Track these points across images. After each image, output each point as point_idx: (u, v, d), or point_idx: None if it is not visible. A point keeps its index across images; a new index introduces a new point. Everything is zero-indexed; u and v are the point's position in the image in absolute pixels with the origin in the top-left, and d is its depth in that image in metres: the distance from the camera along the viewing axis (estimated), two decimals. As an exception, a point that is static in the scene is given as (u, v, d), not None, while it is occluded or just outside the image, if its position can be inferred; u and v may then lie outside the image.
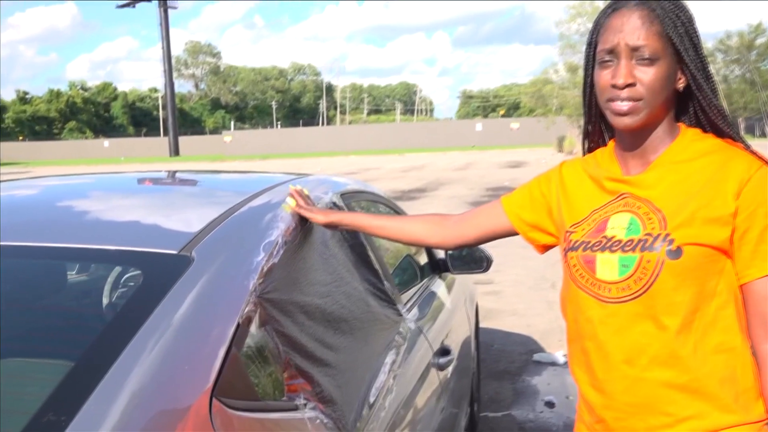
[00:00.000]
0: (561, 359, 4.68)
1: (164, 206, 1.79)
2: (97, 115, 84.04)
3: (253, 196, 1.79)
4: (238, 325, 1.26)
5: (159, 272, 1.33)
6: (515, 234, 1.66)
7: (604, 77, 1.39)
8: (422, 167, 28.76)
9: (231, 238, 1.50)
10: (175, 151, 54.62)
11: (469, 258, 3.10)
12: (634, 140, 1.43)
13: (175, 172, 2.63)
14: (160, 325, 1.17)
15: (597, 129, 1.55)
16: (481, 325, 5.18)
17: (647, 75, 1.35)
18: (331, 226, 1.84)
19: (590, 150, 1.58)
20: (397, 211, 2.83)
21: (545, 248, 1.64)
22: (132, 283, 1.88)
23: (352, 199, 2.28)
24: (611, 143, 1.52)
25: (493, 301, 6.42)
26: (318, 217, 1.79)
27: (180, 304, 1.22)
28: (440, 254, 3.21)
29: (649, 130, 1.42)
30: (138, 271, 1.40)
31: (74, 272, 2.01)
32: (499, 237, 1.70)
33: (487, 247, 3.14)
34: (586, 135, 1.58)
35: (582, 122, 1.60)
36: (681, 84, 1.40)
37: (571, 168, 1.57)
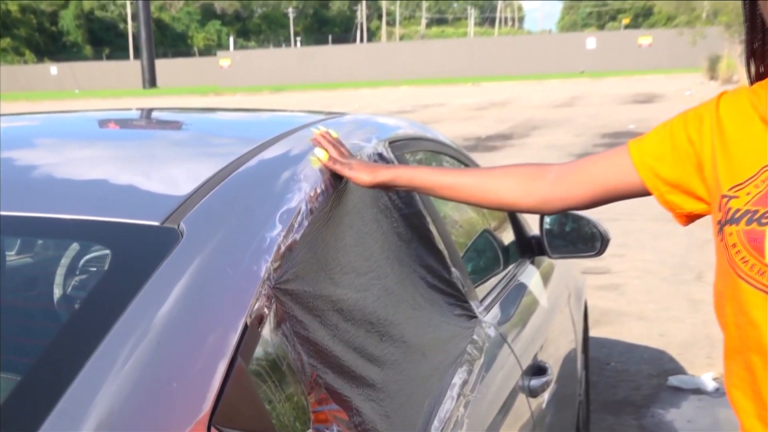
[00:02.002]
0: (710, 384, 4.65)
1: (139, 160, 1.82)
2: (40, 29, 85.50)
3: (264, 146, 1.81)
4: (246, 327, 1.29)
5: (134, 252, 1.36)
6: (646, 194, 1.66)
7: None
8: (506, 103, 28.50)
9: (234, 204, 1.52)
10: (151, 80, 55.26)
11: (575, 235, 3.10)
12: None
13: (151, 111, 2.67)
14: (137, 327, 1.20)
15: None
16: (593, 333, 5.18)
17: None
18: (380, 188, 1.86)
19: (760, 77, 1.55)
20: (470, 166, 2.83)
21: (690, 218, 1.63)
22: (96, 267, 1.95)
23: (405, 149, 2.29)
24: None
25: (611, 298, 6.39)
26: (362, 175, 1.80)
27: (164, 297, 1.25)
28: (532, 230, 3.21)
29: None
30: (104, 251, 1.43)
31: (13, 252, 2.08)
32: (622, 198, 1.70)
33: (602, 220, 3.13)
34: (752, 55, 1.55)
35: (745, 35, 1.57)
36: None
37: (732, 103, 1.55)
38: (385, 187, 1.86)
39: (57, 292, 1.91)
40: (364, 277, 1.74)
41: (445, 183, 1.84)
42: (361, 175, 1.80)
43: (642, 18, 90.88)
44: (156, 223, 1.40)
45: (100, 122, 2.41)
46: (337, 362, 1.51)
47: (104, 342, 1.17)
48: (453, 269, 2.17)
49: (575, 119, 20.86)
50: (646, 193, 1.66)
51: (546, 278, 3.19)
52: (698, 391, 4.63)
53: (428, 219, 2.15)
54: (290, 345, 1.41)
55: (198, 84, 59.51)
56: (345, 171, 1.79)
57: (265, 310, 1.36)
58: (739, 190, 1.47)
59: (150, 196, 1.56)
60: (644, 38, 54.71)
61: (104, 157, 1.84)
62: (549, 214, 1.91)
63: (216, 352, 1.23)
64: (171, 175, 1.67)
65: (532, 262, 3.12)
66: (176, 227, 1.39)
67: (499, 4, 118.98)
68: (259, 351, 1.34)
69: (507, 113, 23.77)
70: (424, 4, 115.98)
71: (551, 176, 1.75)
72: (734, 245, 1.44)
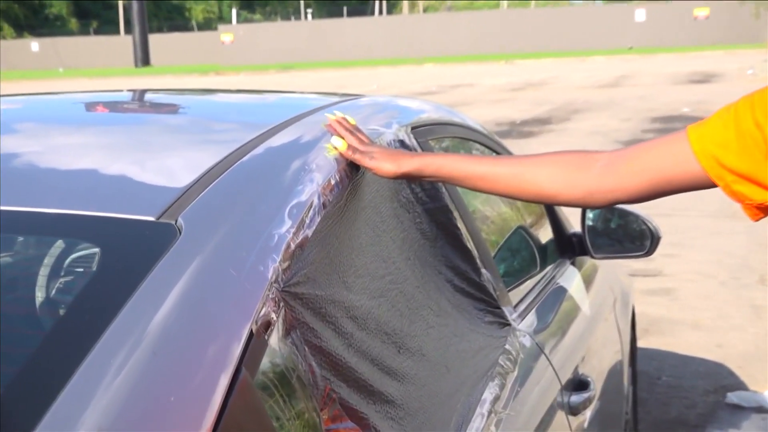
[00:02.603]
0: (774, 402, 4.63)
1: (131, 148, 1.83)
2: (19, 0, 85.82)
3: (271, 132, 1.82)
4: (251, 334, 1.30)
5: (126, 250, 1.37)
6: (708, 186, 1.66)
7: None
8: (544, 84, 28.41)
9: (238, 197, 1.53)
10: (144, 58, 55.46)
11: (622, 232, 3.09)
12: None
13: (145, 92, 2.69)
14: (130, 334, 1.21)
15: None
16: (641, 343, 5.17)
17: None
18: (405, 179, 1.86)
19: None
20: (503, 155, 2.83)
21: (763, 211, 1.62)
22: (83, 268, 1.95)
23: (429, 135, 2.29)
24: None
25: (662, 304, 6.37)
26: (384, 165, 1.81)
27: (160, 302, 1.26)
28: (573, 226, 3.21)
29: None
30: (93, 249, 1.44)
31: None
32: (679, 190, 1.69)
33: (652, 216, 3.11)
34: None
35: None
36: None
37: None
38: (410, 178, 1.86)
39: (39, 296, 1.92)
40: (381, 281, 1.75)
41: (477, 172, 1.84)
42: (384, 164, 1.80)
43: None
44: (151, 219, 1.41)
45: (87, 105, 2.42)
46: (352, 375, 1.51)
47: (92, 352, 1.17)
48: (483, 271, 2.17)
49: (622, 102, 20.78)
50: (708, 184, 1.65)
51: (588, 281, 3.18)
52: (761, 409, 4.61)
53: (456, 214, 2.15)
54: (301, 355, 1.41)
55: (197, 62, 59.67)
56: (366, 161, 1.79)
57: (273, 315, 1.36)
58: None
59: (144, 188, 1.57)
60: (700, 10, 54.36)
61: (92, 145, 1.85)
62: (595, 208, 1.91)
63: (218, 363, 1.24)
64: (167, 165, 1.68)
65: (573, 263, 3.11)
66: (173, 223, 1.40)
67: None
68: (265, 362, 1.34)
69: (545, 95, 23.70)
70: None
71: (598, 165, 1.75)
72: None
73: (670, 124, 15.81)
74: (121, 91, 2.72)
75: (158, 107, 2.50)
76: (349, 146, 1.80)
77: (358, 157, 1.80)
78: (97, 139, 1.92)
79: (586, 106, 20.36)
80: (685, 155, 1.65)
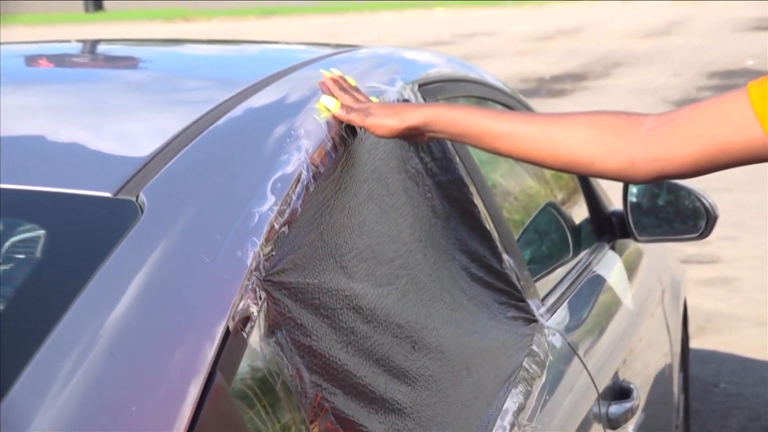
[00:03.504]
0: None
1: (83, 110, 1.84)
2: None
3: (250, 91, 1.83)
4: (227, 332, 1.30)
5: (78, 232, 1.38)
6: None
7: None
8: (578, 31, 28.21)
9: (211, 169, 1.54)
10: (96, 1, 55.28)
11: (672, 210, 3.10)
12: None
13: (97, 43, 2.69)
14: (83, 333, 1.21)
15: None
16: (695, 343, 5.17)
17: None
18: (409, 138, 1.85)
19: None
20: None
21: None
22: (25, 254, 1.96)
23: (440, 93, 2.29)
24: None
25: (720, 297, 6.38)
26: (385, 121, 1.79)
27: (119, 294, 1.27)
28: (613, 203, 3.21)
29: None
30: (37, 231, 1.45)
31: None
32: (739, 162, 1.69)
33: (708, 190, 3.11)
34: None
35: None
36: None
37: None
38: (415, 136, 1.84)
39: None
40: (389, 266, 1.75)
41: (496, 130, 1.81)
42: (384, 120, 1.78)
43: None
44: (107, 195, 1.42)
45: (27, 59, 2.42)
46: (349, 380, 1.52)
47: (37, 355, 1.18)
48: (505, 256, 2.17)
49: (673, 53, 20.68)
50: None
51: (631, 269, 3.19)
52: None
53: (472, 189, 2.15)
54: (286, 357, 1.42)
55: (160, 6, 59.48)
56: (363, 120, 1.79)
57: (253, 309, 1.37)
58: None
59: (98, 158, 1.58)
60: (768, -59, 54.14)
61: (34, 107, 1.85)
62: (638, 182, 1.89)
63: (187, 367, 1.24)
64: (126, 130, 1.68)
65: (613, 248, 3.12)
66: (134, 200, 1.41)
67: None
68: (244, 365, 1.35)
69: (580, 45, 23.59)
70: None
71: (642, 129, 1.73)
72: None
73: (730, 80, 15.75)
74: (69, 41, 2.71)
75: (114, 61, 2.51)
76: (342, 105, 1.80)
77: (353, 117, 1.79)
78: (40, 99, 1.92)
79: (630, 58, 20.27)
80: (745, 119, 1.64)
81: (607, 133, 1.76)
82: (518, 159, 1.87)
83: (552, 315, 2.35)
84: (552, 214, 3.00)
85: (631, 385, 2.52)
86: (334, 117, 1.79)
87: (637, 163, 1.73)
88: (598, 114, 1.81)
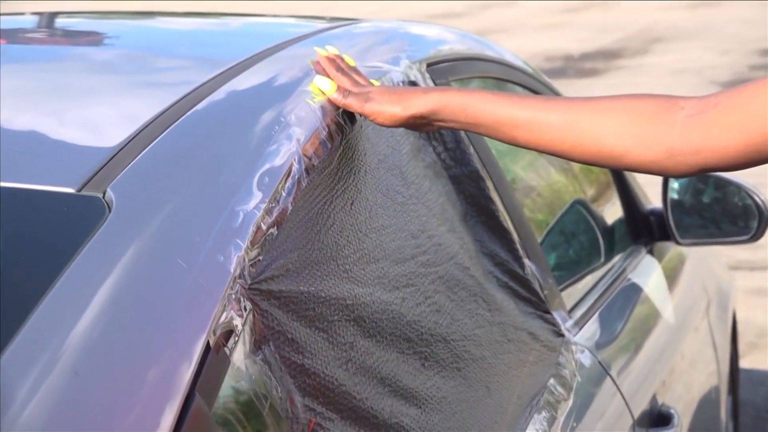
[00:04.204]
0: None
1: (42, 93, 1.84)
2: None
3: (234, 71, 1.83)
4: (207, 348, 1.31)
5: (37, 233, 1.39)
6: None
7: None
8: (608, 2, 28.11)
9: (189, 161, 1.55)
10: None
11: (719, 209, 3.10)
12: None
13: (56, 16, 2.69)
14: (43, 349, 1.22)
15: None
16: (746, 362, 5.17)
17: None
18: (414, 128, 1.85)
19: None
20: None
21: None
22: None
23: (451, 74, 2.30)
24: None
25: (775, 308, 6.37)
26: (387, 108, 1.79)
27: (84, 304, 1.27)
28: (650, 201, 3.21)
29: None
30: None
31: None
32: None
33: (759, 186, 3.11)
34: None
35: None
36: None
37: None
38: (421, 125, 1.84)
39: None
40: (407, 265, 1.76)
41: (516, 118, 1.80)
42: (386, 108, 1.78)
43: None
44: (70, 190, 1.42)
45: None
46: (348, 404, 1.52)
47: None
48: (526, 262, 2.18)
49: (721, 27, 20.63)
50: None
51: (672, 277, 3.19)
52: None
53: (489, 184, 2.16)
54: (275, 377, 1.42)
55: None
56: (362, 106, 1.79)
57: (237, 322, 1.37)
58: None
59: (60, 149, 1.58)
60: None
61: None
62: (677, 175, 1.88)
63: (162, 388, 1.25)
64: (92, 117, 1.69)
65: (651, 252, 3.12)
66: (100, 196, 1.41)
67: None
68: (227, 386, 1.35)
69: (613, 18, 23.54)
70: None
71: (682, 115, 1.72)
72: None
73: (786, 60, 15.74)
74: (23, 14, 2.72)
75: (77, 37, 2.51)
76: (339, 88, 1.81)
77: (351, 102, 1.79)
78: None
79: (671, 32, 20.22)
80: None
81: (642, 121, 1.75)
82: (540, 151, 1.87)
83: (580, 329, 2.35)
84: (580, 213, 3.00)
85: (672, 411, 2.53)
86: (330, 101, 1.79)
87: (676, 155, 1.73)
88: (631, 98, 1.81)
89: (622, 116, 1.76)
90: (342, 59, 1.88)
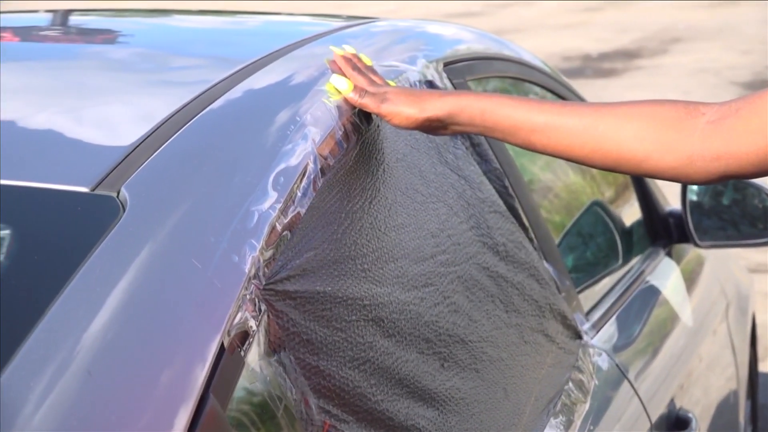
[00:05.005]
0: None
1: (56, 92, 1.84)
2: None
3: (249, 70, 1.83)
4: (221, 349, 1.30)
5: (50, 233, 1.38)
6: None
7: None
8: (627, 2, 28.08)
9: (204, 161, 1.55)
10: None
11: (738, 210, 3.09)
12: None
13: (70, 14, 2.69)
14: (57, 348, 1.21)
15: None
16: (766, 366, 5.15)
17: None
18: (430, 131, 1.85)
19: None
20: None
21: None
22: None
23: (469, 74, 2.30)
24: None
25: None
26: (403, 109, 1.79)
27: (98, 304, 1.27)
28: (669, 203, 3.20)
29: None
30: (4, 231, 1.45)
31: None
32: None
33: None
34: None
35: None
36: None
37: None
38: (437, 128, 1.83)
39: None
40: (426, 264, 1.76)
41: (534, 122, 1.80)
42: (402, 109, 1.78)
43: None
44: (84, 189, 1.42)
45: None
46: (363, 405, 1.52)
47: (5, 373, 1.18)
48: (544, 263, 2.17)
49: (741, 26, 20.58)
50: None
51: (691, 279, 3.19)
52: None
53: (507, 185, 2.15)
54: (290, 378, 1.42)
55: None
56: (378, 106, 1.79)
57: (252, 323, 1.37)
58: None
59: (74, 147, 1.58)
60: None
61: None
62: (697, 182, 1.85)
63: (176, 389, 1.25)
64: (106, 115, 1.69)
65: (669, 254, 3.11)
66: (115, 195, 1.41)
67: None
68: (241, 387, 1.35)
69: (631, 17, 23.50)
70: None
71: (703, 121, 1.72)
72: None
73: (807, 60, 15.69)
74: (37, 11, 2.72)
75: (91, 35, 2.51)
76: (355, 88, 1.80)
77: (367, 102, 1.79)
78: (4, 80, 1.92)
79: (690, 32, 20.19)
80: None
81: (662, 127, 1.74)
82: (558, 156, 1.85)
83: (598, 332, 2.35)
84: (598, 214, 3.00)
85: (690, 415, 2.52)
86: (346, 101, 1.79)
87: (696, 161, 1.72)
88: (651, 103, 1.80)
89: (643, 122, 1.76)
90: (359, 58, 1.88)
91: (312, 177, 1.59)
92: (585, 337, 2.23)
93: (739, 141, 1.69)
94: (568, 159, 1.85)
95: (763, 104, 1.69)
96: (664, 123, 1.75)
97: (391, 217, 1.73)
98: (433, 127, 1.82)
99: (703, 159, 1.72)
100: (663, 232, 3.14)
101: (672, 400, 2.54)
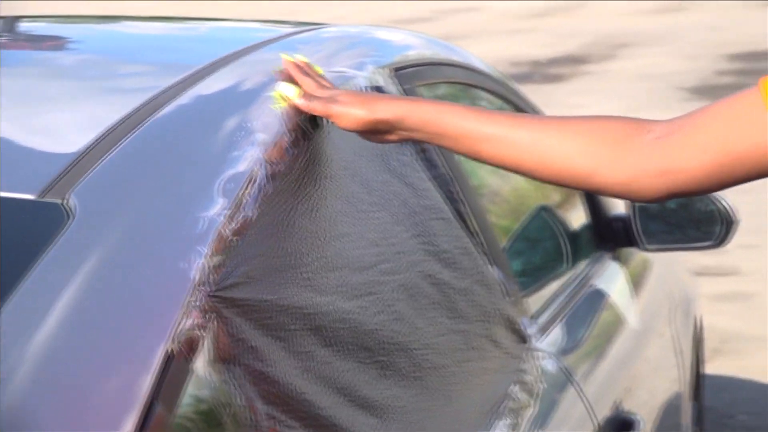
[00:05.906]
0: None
1: (1, 99, 1.82)
2: None
3: (197, 77, 1.83)
4: (168, 357, 1.30)
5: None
6: None
7: None
8: (576, 6, 28.13)
9: (151, 167, 1.54)
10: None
11: (684, 214, 3.10)
12: None
13: (18, 20, 2.68)
14: (2, 359, 1.21)
15: None
16: (710, 368, 5.17)
17: None
18: (379, 132, 1.84)
19: None
20: (524, 110, 2.84)
21: None
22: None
23: (418, 79, 2.30)
24: None
25: (738, 315, 6.39)
26: (353, 110, 1.78)
27: (44, 311, 1.27)
28: (616, 207, 3.21)
29: None
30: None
31: None
32: (756, 175, 1.68)
33: (725, 192, 3.12)
34: None
35: None
36: None
37: None
38: (383, 133, 1.81)
39: None
40: (368, 273, 1.76)
41: (482, 132, 1.78)
42: (352, 110, 1.76)
43: None
44: (30, 197, 1.42)
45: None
46: (309, 412, 1.52)
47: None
48: (491, 267, 2.18)
49: (687, 32, 20.67)
50: None
51: (637, 283, 3.20)
52: None
53: (454, 190, 2.16)
54: (238, 386, 1.42)
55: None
56: (327, 108, 1.76)
57: (199, 331, 1.37)
58: None
59: (20, 154, 1.57)
60: None
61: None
62: (644, 199, 1.84)
63: (122, 397, 1.24)
64: (53, 122, 1.68)
65: (615, 258, 3.13)
66: (61, 203, 1.41)
67: None
68: (188, 395, 1.35)
69: (578, 23, 23.57)
70: None
71: (649, 138, 1.71)
72: None
73: (755, 64, 15.74)
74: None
75: (37, 41, 2.49)
76: (305, 93, 1.79)
77: (315, 106, 1.76)
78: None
79: (637, 38, 20.25)
80: (757, 121, 1.62)
81: (609, 142, 1.73)
82: (505, 168, 1.82)
83: (544, 335, 2.35)
84: (545, 218, 3.00)
85: (635, 417, 2.53)
86: (295, 106, 1.78)
87: (641, 178, 1.71)
88: (599, 119, 1.80)
89: (590, 137, 1.75)
90: (310, 67, 1.87)
91: (260, 183, 1.58)
92: (532, 341, 2.24)
93: (684, 156, 1.68)
94: (516, 171, 1.84)
95: (705, 119, 1.70)
96: (611, 139, 1.74)
97: (334, 225, 1.73)
98: (379, 130, 1.80)
99: (648, 175, 1.71)
100: (609, 236, 3.15)
101: (618, 403, 2.55)
